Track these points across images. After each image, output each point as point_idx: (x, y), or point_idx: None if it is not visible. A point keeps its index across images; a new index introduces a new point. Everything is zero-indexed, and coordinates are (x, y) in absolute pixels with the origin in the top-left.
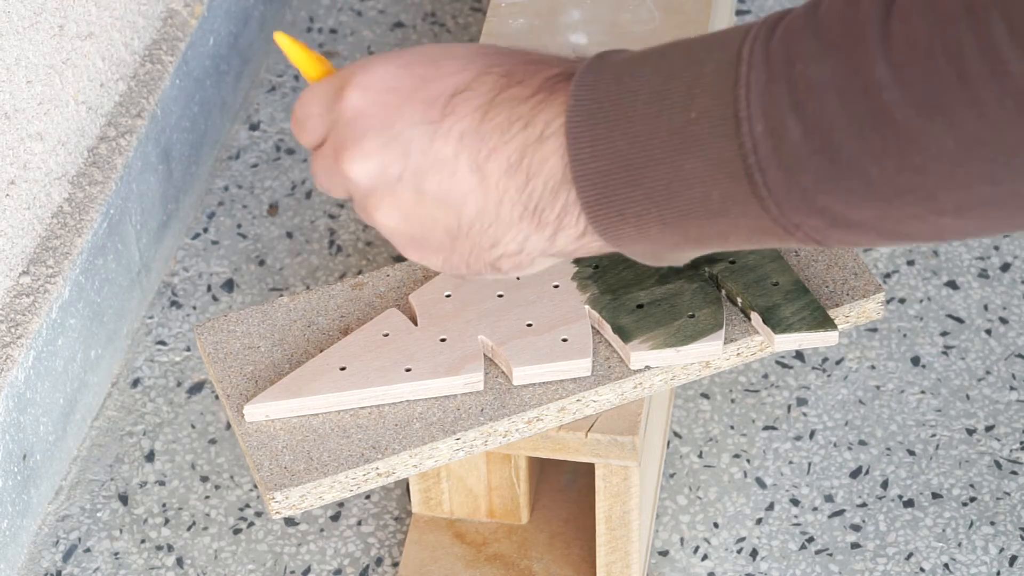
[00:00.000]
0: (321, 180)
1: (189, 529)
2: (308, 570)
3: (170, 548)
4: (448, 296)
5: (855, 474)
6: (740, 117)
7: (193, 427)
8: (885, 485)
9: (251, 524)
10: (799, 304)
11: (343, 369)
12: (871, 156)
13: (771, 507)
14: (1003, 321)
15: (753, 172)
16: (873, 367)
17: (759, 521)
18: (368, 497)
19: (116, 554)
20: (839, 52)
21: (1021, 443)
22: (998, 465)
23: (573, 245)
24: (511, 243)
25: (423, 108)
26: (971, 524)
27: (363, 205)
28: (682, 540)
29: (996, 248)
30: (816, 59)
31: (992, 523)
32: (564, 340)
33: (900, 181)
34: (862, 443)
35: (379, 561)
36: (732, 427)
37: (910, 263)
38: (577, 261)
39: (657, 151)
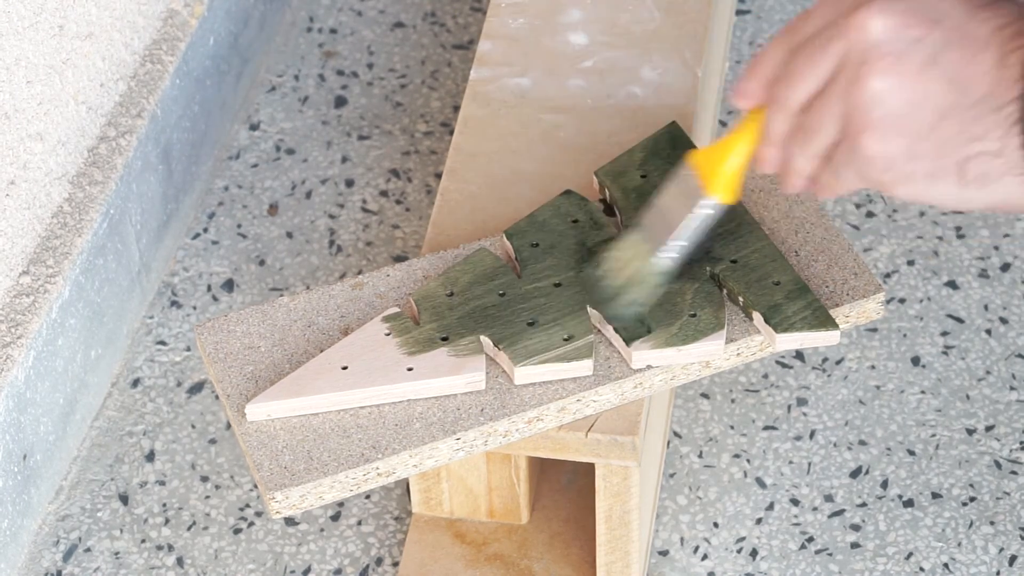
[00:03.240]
0: (799, 60)
1: (189, 529)
2: (308, 570)
3: (170, 548)
4: (450, 295)
5: (855, 474)
6: None
7: (193, 427)
8: (885, 485)
9: (251, 524)
10: (801, 303)
11: (345, 368)
12: None
13: (771, 507)
14: (1003, 321)
15: None
16: (873, 367)
17: (759, 521)
18: (368, 497)
19: (116, 554)
20: None
21: (1021, 443)
22: (998, 465)
23: None
24: (995, 141)
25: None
26: (971, 524)
27: (858, 62)
28: (682, 540)
29: (996, 248)
30: None
31: (992, 523)
32: (565, 339)
33: None
34: (862, 443)
35: (379, 561)
36: (732, 427)
37: (910, 263)
38: (577, 259)
39: None
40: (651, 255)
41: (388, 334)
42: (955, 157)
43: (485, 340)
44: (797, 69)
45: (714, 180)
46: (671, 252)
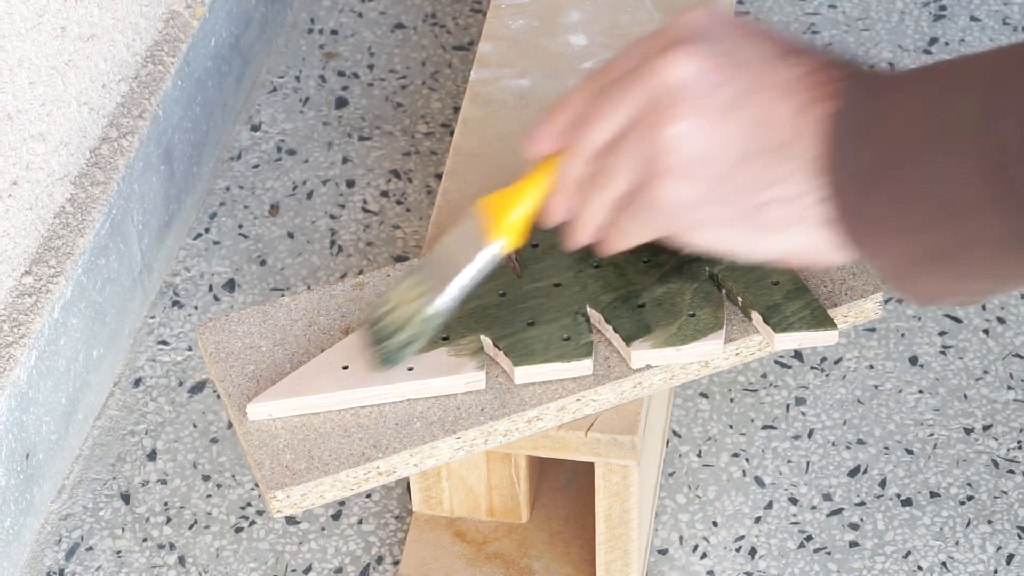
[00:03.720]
0: (603, 101)
1: (191, 528)
2: (309, 568)
3: (172, 547)
4: None
5: (853, 473)
6: (991, 115)
7: (195, 426)
8: (883, 484)
9: (252, 523)
10: (799, 303)
11: (346, 368)
12: None
13: (770, 506)
14: (1001, 321)
15: (998, 169)
16: (871, 367)
17: (758, 520)
18: (369, 496)
19: (118, 552)
20: None
21: (1018, 442)
22: (995, 464)
23: (822, 235)
24: (790, 189)
25: (769, 47)
26: (968, 523)
27: (660, 106)
28: (681, 539)
29: None
30: None
31: (989, 522)
32: (565, 339)
33: None
34: (860, 442)
35: (380, 560)
36: (731, 426)
37: None
38: (577, 260)
39: (913, 152)
40: (429, 298)
41: None
42: (751, 202)
43: (485, 340)
44: (597, 113)
45: (498, 227)
46: (448, 297)
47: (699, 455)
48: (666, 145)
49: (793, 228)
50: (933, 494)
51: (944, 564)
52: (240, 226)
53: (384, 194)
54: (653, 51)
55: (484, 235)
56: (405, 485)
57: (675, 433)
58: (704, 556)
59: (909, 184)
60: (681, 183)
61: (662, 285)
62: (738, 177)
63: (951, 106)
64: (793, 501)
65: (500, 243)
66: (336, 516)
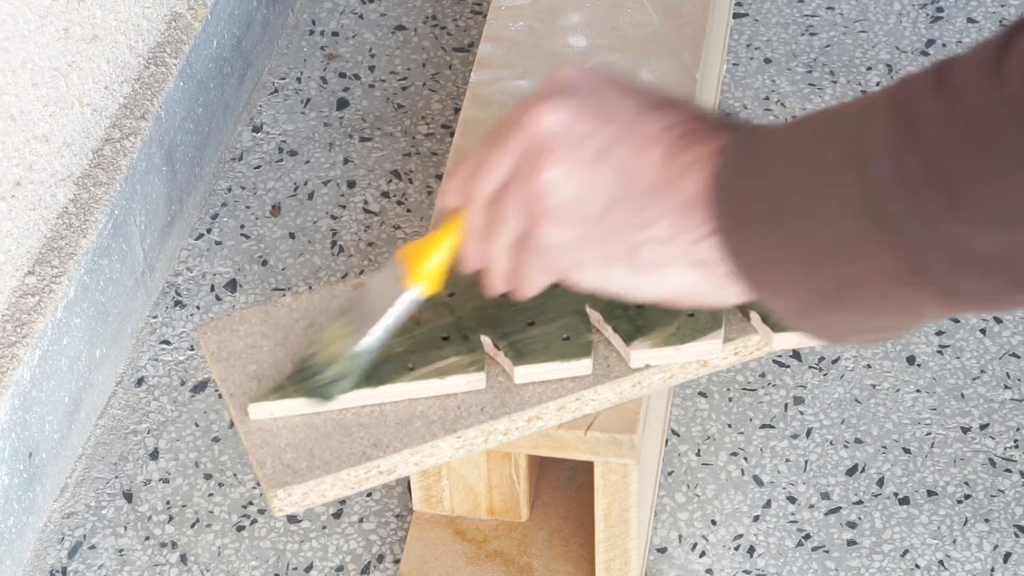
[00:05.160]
0: (485, 154)
1: (193, 526)
2: (310, 567)
3: (174, 545)
4: (451, 296)
5: (851, 472)
6: (866, 156)
7: (197, 425)
8: (881, 483)
9: (254, 521)
10: None
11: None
12: (980, 178)
13: (768, 504)
14: (997, 320)
15: (879, 206)
16: (869, 366)
17: (756, 518)
18: (370, 495)
19: (121, 551)
20: (955, 93)
21: (1015, 441)
22: (992, 463)
23: (702, 275)
24: (664, 230)
25: (637, 101)
26: (966, 521)
27: (535, 154)
28: (680, 537)
29: None
30: (932, 97)
31: (986, 520)
32: (565, 339)
33: (1013, 203)
34: (858, 441)
35: (380, 558)
36: (730, 425)
37: None
38: None
39: (796, 194)
40: (352, 339)
41: None
42: (627, 243)
43: (485, 340)
44: (485, 164)
45: (417, 274)
46: (372, 337)
47: (698, 454)
48: (541, 189)
49: (673, 268)
50: (930, 493)
51: (941, 562)
52: (242, 226)
53: (385, 195)
54: (530, 104)
55: (403, 280)
56: (406, 484)
57: (674, 432)
58: (703, 554)
59: (797, 226)
60: (558, 225)
61: None
62: (612, 219)
63: (829, 149)
64: (791, 500)
65: (418, 288)
66: (337, 515)
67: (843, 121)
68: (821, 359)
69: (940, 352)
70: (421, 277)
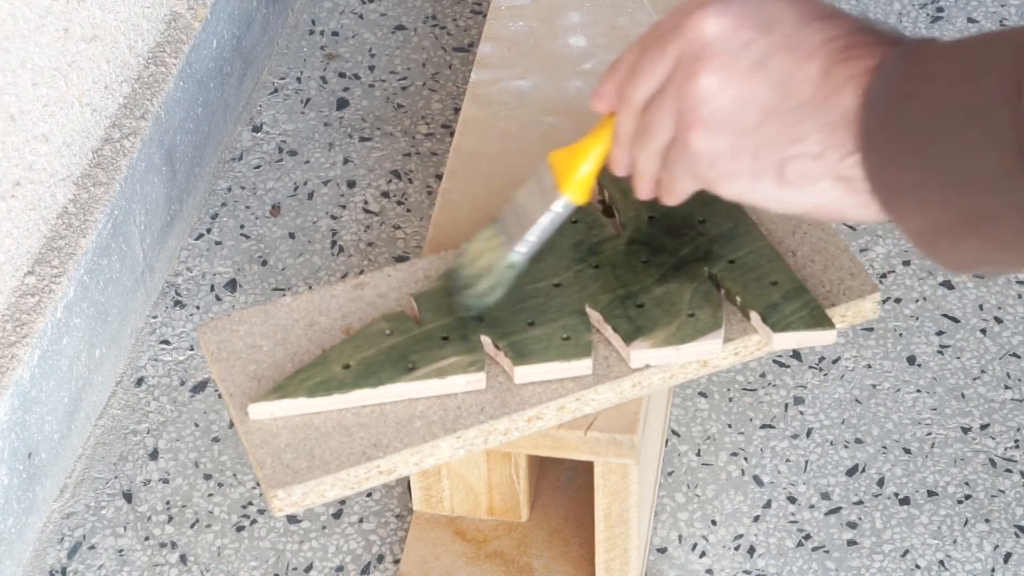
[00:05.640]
0: (641, 55)
1: (192, 526)
2: (310, 567)
3: (174, 545)
4: (451, 296)
5: (851, 472)
6: (1022, 88)
7: (196, 425)
8: (881, 483)
9: (254, 521)
10: (798, 303)
11: (346, 367)
12: None
13: (768, 505)
14: (998, 321)
15: None
16: (869, 366)
17: (756, 519)
18: (369, 495)
19: (120, 551)
20: None
21: (1015, 441)
22: (993, 463)
23: (848, 192)
24: (815, 145)
25: (799, 10)
26: (966, 522)
27: (691, 60)
28: (680, 537)
29: None
30: None
31: (987, 520)
32: (565, 339)
33: None
34: (858, 441)
35: (380, 558)
36: (730, 425)
37: (906, 263)
38: (576, 260)
39: (944, 120)
40: (504, 249)
41: (389, 333)
42: (776, 157)
43: (485, 340)
44: (640, 69)
45: (568, 180)
46: (523, 248)
47: (698, 454)
48: (697, 97)
49: (819, 184)
50: (931, 493)
51: (942, 563)
52: (242, 226)
53: (385, 195)
54: (689, 9)
55: (556, 188)
56: (406, 484)
57: (674, 432)
58: (703, 555)
59: (939, 152)
60: (710, 134)
61: (661, 285)
62: (764, 132)
63: (983, 79)
64: (791, 500)
65: (569, 197)
66: (337, 515)
67: (998, 54)
68: (821, 359)
69: (940, 352)
70: (574, 183)
